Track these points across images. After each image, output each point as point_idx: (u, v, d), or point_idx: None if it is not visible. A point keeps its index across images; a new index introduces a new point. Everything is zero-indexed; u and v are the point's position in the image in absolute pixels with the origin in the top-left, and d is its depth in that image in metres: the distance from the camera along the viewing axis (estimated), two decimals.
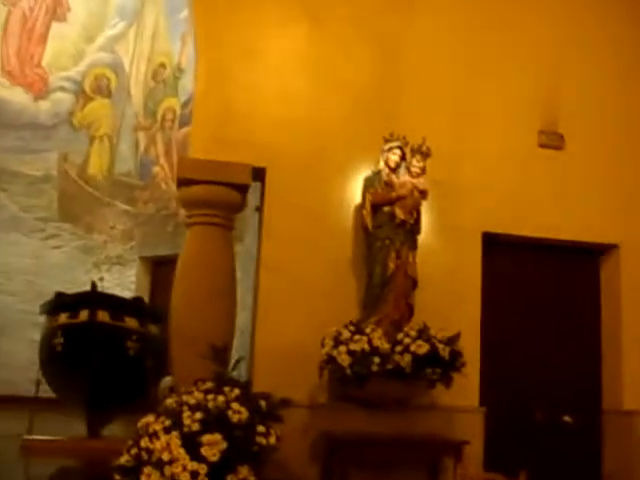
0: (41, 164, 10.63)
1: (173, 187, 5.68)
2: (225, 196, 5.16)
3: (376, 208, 5.14)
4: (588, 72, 6.29)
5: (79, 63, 11.00)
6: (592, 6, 6.44)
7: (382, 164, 5.25)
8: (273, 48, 5.56)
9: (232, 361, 4.60)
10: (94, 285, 5.85)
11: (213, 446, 3.50)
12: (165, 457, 3.46)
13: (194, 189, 5.16)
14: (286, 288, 5.20)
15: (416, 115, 5.65)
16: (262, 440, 3.69)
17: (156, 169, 10.12)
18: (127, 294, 8.97)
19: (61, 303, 6.21)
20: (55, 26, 11.01)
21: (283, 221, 5.30)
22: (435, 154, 5.29)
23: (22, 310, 9.72)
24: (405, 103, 5.70)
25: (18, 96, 10.84)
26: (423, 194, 5.21)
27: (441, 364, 4.86)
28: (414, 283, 5.13)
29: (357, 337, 4.74)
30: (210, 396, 3.78)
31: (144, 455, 3.54)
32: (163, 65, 10.56)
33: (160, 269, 9.53)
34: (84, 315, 5.72)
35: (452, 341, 4.94)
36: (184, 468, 3.43)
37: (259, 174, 5.34)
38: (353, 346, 4.69)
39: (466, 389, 5.38)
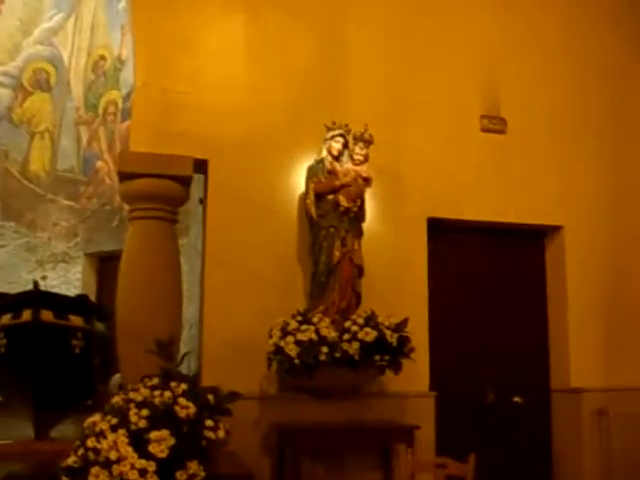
0: None
1: (117, 181, 5.60)
2: (167, 189, 5.09)
3: (320, 197, 5.13)
4: (528, 56, 6.38)
5: (16, 57, 10.72)
6: None
7: (325, 153, 5.23)
8: (213, 37, 5.49)
9: (180, 356, 4.57)
10: (36, 284, 5.72)
11: (161, 442, 3.45)
12: (112, 456, 3.40)
13: (135, 183, 5.08)
14: (232, 280, 5.16)
15: (358, 103, 5.64)
16: (211, 434, 3.65)
17: (99, 164, 9.95)
18: (73, 292, 8.81)
19: (3, 304, 6.07)
20: None
21: (227, 213, 5.26)
22: (378, 141, 5.28)
23: None
24: (347, 91, 5.68)
25: None
26: (367, 181, 5.21)
27: (389, 350, 4.87)
28: (360, 271, 5.14)
29: (304, 327, 4.73)
30: (157, 392, 3.73)
31: (91, 455, 3.48)
32: (103, 57, 10.35)
33: (106, 265, 9.39)
34: (27, 315, 5.58)
35: (400, 327, 4.96)
36: (132, 466, 3.38)
37: (202, 166, 5.29)
38: (300, 336, 4.68)
39: (416, 374, 5.41)
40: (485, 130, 6.13)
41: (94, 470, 3.37)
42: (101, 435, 3.53)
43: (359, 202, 5.16)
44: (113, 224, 9.42)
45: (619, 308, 6.35)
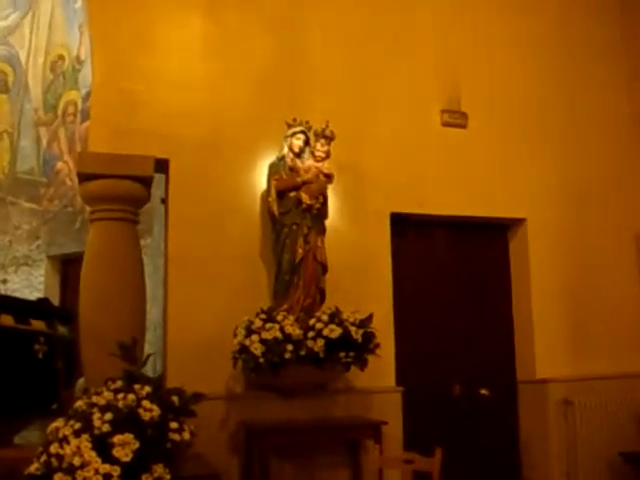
0: None
1: (78, 183, 5.54)
2: (128, 190, 5.03)
3: (282, 194, 5.10)
4: (489, 50, 6.43)
5: None
6: None
7: (286, 150, 5.21)
8: (172, 35, 5.44)
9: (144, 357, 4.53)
10: None
11: (125, 446, 3.42)
12: (76, 462, 3.36)
13: (95, 184, 5.01)
14: (195, 280, 5.12)
15: (319, 99, 5.63)
16: (175, 436, 3.62)
17: (60, 165, 9.81)
18: (36, 295, 8.71)
19: None
20: None
21: (189, 212, 5.21)
22: (339, 137, 5.26)
23: None
24: (307, 87, 5.67)
25: None
26: (328, 178, 5.20)
27: (354, 347, 4.87)
28: (324, 268, 5.13)
29: (269, 325, 4.71)
30: (120, 395, 3.69)
31: (54, 462, 3.43)
32: (61, 57, 10.20)
33: (69, 267, 9.27)
34: None
35: (364, 323, 4.96)
36: (96, 471, 3.34)
37: (162, 165, 5.23)
38: (265, 335, 4.66)
39: (382, 370, 5.43)
40: (446, 125, 6.15)
41: (57, 477, 3.32)
42: (64, 441, 3.48)
43: (321, 199, 5.15)
44: (75, 226, 9.30)
45: (582, 299, 6.44)
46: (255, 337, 4.69)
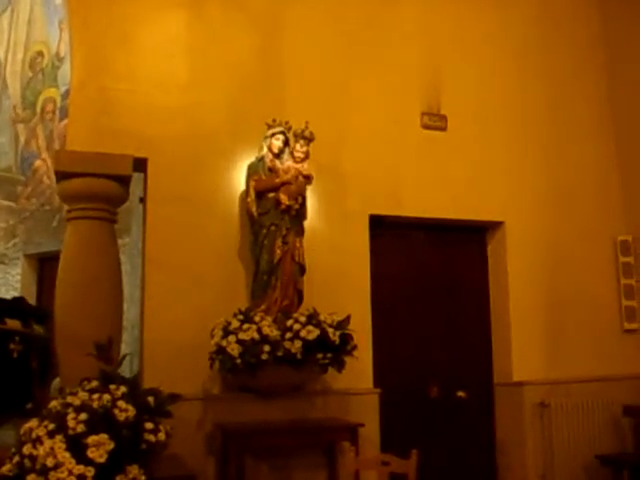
0: None
1: (55, 181, 5.51)
2: (106, 188, 5.00)
3: (261, 195, 5.09)
4: (469, 53, 6.46)
5: None
6: None
7: (265, 150, 5.20)
8: (151, 34, 5.39)
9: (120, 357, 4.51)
10: None
11: (99, 447, 3.40)
12: (49, 463, 3.34)
13: (73, 182, 4.97)
14: (173, 280, 5.09)
15: (299, 100, 5.62)
16: (151, 437, 3.61)
17: (38, 163, 9.74)
18: (13, 294, 8.64)
19: None
20: None
21: (167, 212, 5.17)
22: (318, 138, 5.27)
23: None
24: (287, 88, 5.66)
25: None
26: (307, 179, 5.19)
27: (332, 348, 4.87)
28: (302, 269, 5.12)
29: (246, 326, 4.69)
30: (95, 395, 3.67)
31: (27, 463, 3.41)
32: (41, 53, 10.13)
33: (46, 266, 9.20)
34: None
35: (342, 325, 4.96)
36: (70, 472, 3.32)
37: (141, 164, 5.20)
38: (242, 335, 4.64)
39: (359, 371, 5.42)
40: (426, 127, 6.16)
41: (30, 478, 3.31)
42: (38, 441, 3.46)
43: (300, 200, 5.14)
44: (53, 224, 9.24)
45: (559, 302, 6.47)
46: (232, 338, 4.67)
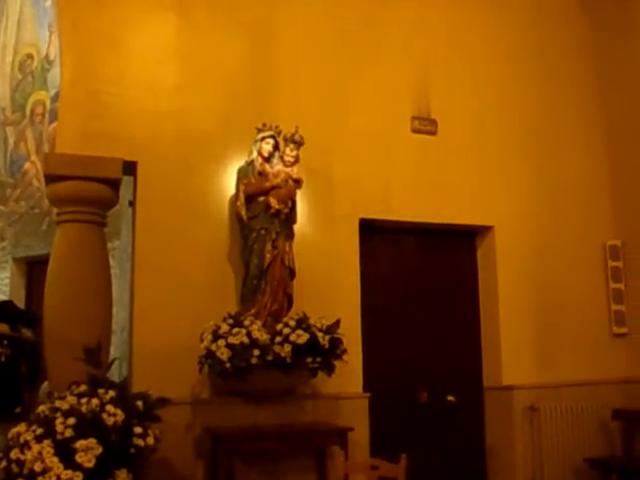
0: None
1: (45, 184, 5.50)
2: (95, 192, 4.98)
3: (250, 199, 5.08)
4: (459, 58, 6.47)
5: None
6: None
7: (255, 154, 5.20)
8: (142, 38, 5.37)
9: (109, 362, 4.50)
10: None
11: (88, 452, 3.40)
12: (37, 468, 3.34)
13: (62, 185, 4.95)
14: (162, 284, 5.06)
15: (289, 104, 5.62)
16: (139, 442, 3.61)
17: (27, 165, 9.70)
18: (1, 297, 8.61)
19: None
20: None
21: (157, 215, 5.16)
22: (308, 142, 5.27)
23: None
24: (277, 92, 5.65)
25: None
26: (297, 183, 5.20)
27: (321, 352, 4.87)
28: (292, 273, 5.12)
29: (236, 330, 4.68)
30: (84, 400, 3.67)
31: (15, 468, 3.40)
32: (30, 56, 10.10)
33: (35, 269, 9.17)
34: None
35: (332, 329, 4.96)
36: (58, 477, 3.32)
37: (131, 168, 5.18)
38: (232, 339, 4.63)
39: (349, 376, 5.42)
40: (416, 131, 6.17)
41: None
42: (26, 446, 3.45)
43: (290, 204, 5.14)
44: (42, 228, 9.21)
45: (548, 307, 6.50)
46: (222, 342, 4.65)
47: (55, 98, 9.18)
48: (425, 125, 6.22)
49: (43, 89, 9.81)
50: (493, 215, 6.41)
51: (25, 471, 3.33)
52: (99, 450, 3.41)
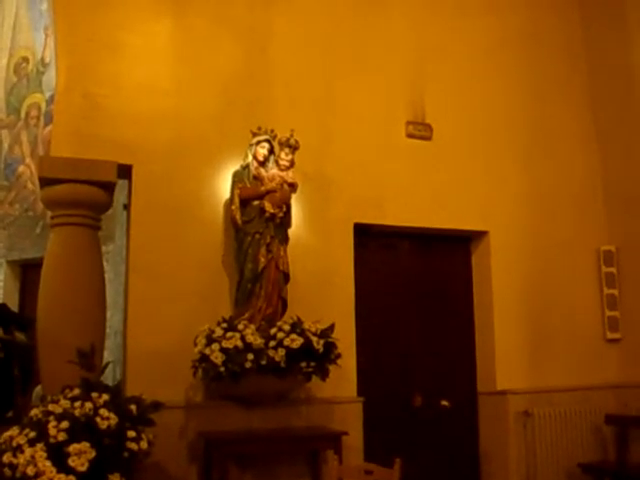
0: None
1: (39, 187, 5.50)
2: (90, 195, 4.97)
3: (245, 203, 5.08)
4: (454, 63, 6.49)
5: None
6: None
7: (250, 158, 5.19)
8: (136, 41, 5.37)
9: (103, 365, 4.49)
10: None
11: (81, 455, 3.39)
12: (30, 471, 3.33)
13: (57, 189, 4.95)
14: (156, 287, 5.06)
15: (284, 108, 5.62)
16: (133, 445, 3.61)
17: (21, 168, 9.69)
18: None
19: None
20: None
21: (151, 219, 5.15)
22: (304, 147, 5.27)
23: None
24: (273, 96, 5.66)
25: None
26: (292, 187, 5.19)
27: (316, 357, 4.86)
28: (286, 277, 5.11)
29: (230, 334, 4.67)
30: (77, 403, 3.66)
31: (7, 471, 3.39)
32: (25, 59, 10.10)
33: (29, 273, 9.16)
34: None
35: (326, 333, 4.95)
36: None
37: (126, 171, 5.18)
38: (226, 343, 4.62)
39: (343, 380, 5.43)
40: (411, 136, 6.18)
41: None
42: (18, 450, 3.44)
43: (285, 208, 5.13)
44: (36, 231, 9.20)
45: (542, 312, 6.51)
46: (216, 346, 4.65)
47: (50, 101, 9.18)
48: (420, 130, 6.22)
49: (38, 92, 9.81)
50: (488, 220, 6.42)
51: (18, 475, 3.32)
52: (92, 454, 3.40)
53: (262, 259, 4.99)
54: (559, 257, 6.67)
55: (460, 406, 6.30)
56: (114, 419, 3.59)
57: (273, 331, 4.84)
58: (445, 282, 6.49)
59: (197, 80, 5.48)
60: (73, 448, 3.37)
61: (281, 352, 4.73)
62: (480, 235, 6.48)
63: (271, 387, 4.93)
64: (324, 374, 4.97)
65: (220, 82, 5.54)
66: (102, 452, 3.46)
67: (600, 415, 6.43)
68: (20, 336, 5.73)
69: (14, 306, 8.27)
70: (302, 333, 4.83)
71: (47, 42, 9.67)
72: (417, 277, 6.34)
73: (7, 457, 3.40)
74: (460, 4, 6.64)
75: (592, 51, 7.24)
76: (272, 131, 5.25)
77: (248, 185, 5.13)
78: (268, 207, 5.04)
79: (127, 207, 5.40)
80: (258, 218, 5.05)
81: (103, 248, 5.50)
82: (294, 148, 5.22)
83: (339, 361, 5.04)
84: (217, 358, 4.61)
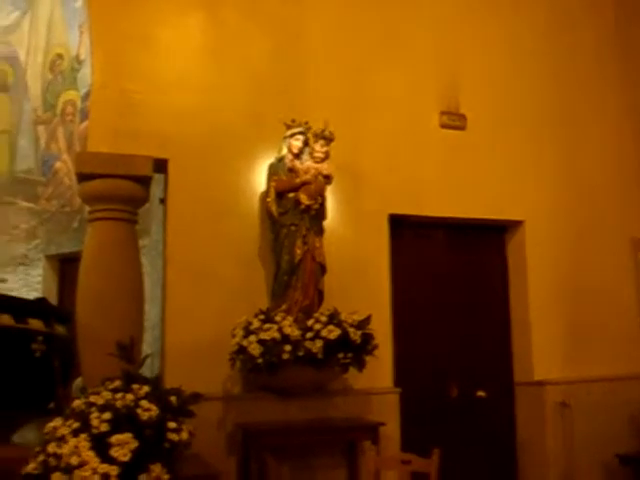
0: None
1: (76, 182, 5.56)
2: (126, 189, 5.03)
3: (281, 195, 5.10)
4: (487, 52, 6.46)
5: None
6: None
7: (285, 151, 5.21)
8: (171, 36, 5.41)
9: (142, 357, 4.53)
10: None
11: (123, 446, 3.41)
12: (74, 461, 3.35)
13: (94, 183, 5.01)
14: (193, 280, 5.11)
15: (318, 100, 5.63)
16: (174, 436, 3.62)
17: (58, 164, 9.79)
18: (34, 294, 8.69)
19: None
20: None
21: (188, 212, 5.20)
22: (338, 138, 5.26)
23: None
24: (306, 88, 5.67)
25: None
26: (327, 179, 5.19)
27: (353, 348, 4.87)
28: (322, 268, 5.12)
29: (267, 326, 4.70)
30: (118, 395, 3.69)
31: (52, 461, 3.42)
32: (60, 56, 10.19)
33: (67, 267, 9.24)
34: None
35: (363, 324, 4.95)
36: (94, 471, 3.33)
37: (162, 165, 5.22)
38: (263, 335, 4.65)
39: (380, 371, 5.45)
40: (445, 126, 6.16)
41: (55, 476, 3.32)
42: (62, 440, 3.48)
43: (320, 200, 5.14)
44: (73, 225, 9.29)
45: (579, 302, 6.46)
46: (253, 338, 4.68)
47: (85, 97, 9.27)
48: (454, 120, 6.20)
49: (73, 89, 9.90)
50: (523, 209, 6.38)
51: (62, 465, 3.36)
52: (134, 444, 3.42)
53: (298, 251, 5.01)
54: (594, 246, 6.62)
55: (497, 397, 6.29)
56: (155, 410, 3.61)
57: (310, 322, 4.85)
58: (481, 272, 6.47)
59: (230, 73, 5.51)
60: (116, 439, 3.40)
61: (318, 343, 4.74)
62: (516, 225, 6.44)
63: (308, 378, 4.94)
64: (361, 365, 4.97)
65: (254, 75, 5.56)
66: (144, 443, 3.48)
67: (637, 405, 6.37)
68: (60, 329, 5.80)
69: (53, 300, 8.38)
70: (339, 324, 4.84)
71: (82, 39, 9.75)
72: (453, 267, 6.32)
73: (52, 447, 3.44)
74: None
75: (626, 36, 7.14)
76: (306, 123, 5.25)
77: (283, 177, 5.15)
78: (303, 199, 5.05)
79: (163, 201, 5.44)
80: (293, 210, 5.07)
81: (140, 242, 5.54)
82: (329, 140, 5.21)
83: (376, 352, 5.04)
84: (255, 350, 4.64)
